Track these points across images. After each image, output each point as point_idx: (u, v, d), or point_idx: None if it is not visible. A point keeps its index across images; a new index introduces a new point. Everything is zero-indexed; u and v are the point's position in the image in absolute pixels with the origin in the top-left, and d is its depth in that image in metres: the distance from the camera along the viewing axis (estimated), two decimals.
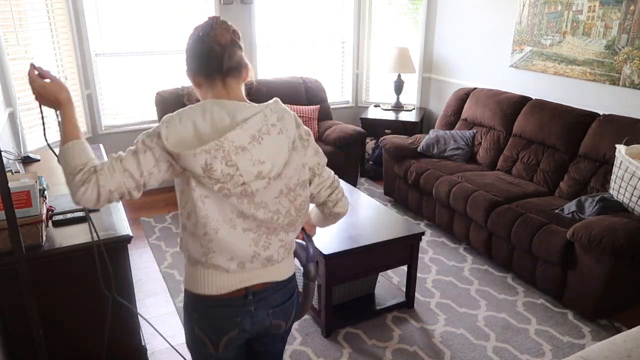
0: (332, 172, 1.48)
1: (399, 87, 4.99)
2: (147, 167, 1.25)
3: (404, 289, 2.96)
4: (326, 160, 1.45)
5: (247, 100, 1.34)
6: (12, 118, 3.29)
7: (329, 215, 1.51)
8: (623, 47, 3.33)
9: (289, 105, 4.56)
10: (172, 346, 2.17)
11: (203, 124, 1.24)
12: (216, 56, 1.28)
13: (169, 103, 4.24)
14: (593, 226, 2.67)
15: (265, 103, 1.31)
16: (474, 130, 4.16)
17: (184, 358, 2.33)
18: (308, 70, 5.04)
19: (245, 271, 1.36)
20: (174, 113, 1.27)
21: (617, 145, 2.98)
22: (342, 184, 3.39)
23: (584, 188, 3.31)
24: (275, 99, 1.34)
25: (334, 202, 1.47)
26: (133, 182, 1.25)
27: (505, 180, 3.57)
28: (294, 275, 1.49)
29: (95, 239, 1.84)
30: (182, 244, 1.40)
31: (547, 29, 3.83)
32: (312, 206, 1.57)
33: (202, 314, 1.38)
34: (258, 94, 5.18)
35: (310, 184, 1.42)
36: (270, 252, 1.37)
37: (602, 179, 3.21)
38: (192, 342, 1.44)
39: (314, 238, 1.69)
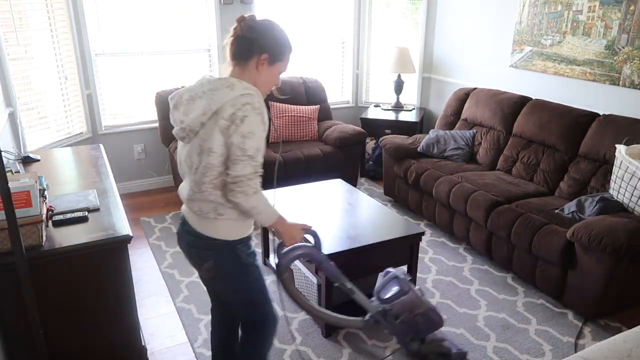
0: (243, 174, 1.60)
1: (399, 87, 4.99)
2: None
3: None
4: (244, 159, 1.59)
5: (234, 79, 1.65)
6: (12, 118, 3.28)
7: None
8: (623, 47, 3.34)
9: (289, 105, 4.56)
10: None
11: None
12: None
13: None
14: (593, 226, 2.67)
15: (211, 76, 1.68)
16: (474, 130, 4.16)
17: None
18: (308, 70, 5.04)
19: (183, 198, 1.79)
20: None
21: (617, 145, 2.98)
22: (342, 184, 3.40)
23: (584, 188, 3.31)
24: (225, 78, 1.65)
25: (228, 191, 1.63)
26: None
27: (505, 180, 3.57)
28: (212, 240, 1.72)
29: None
30: None
31: (547, 29, 3.83)
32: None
33: None
34: None
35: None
36: (185, 193, 1.75)
37: (602, 179, 3.21)
38: None
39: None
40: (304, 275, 2.82)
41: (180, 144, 1.74)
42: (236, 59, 1.68)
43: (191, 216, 1.75)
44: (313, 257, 2.05)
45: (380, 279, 2.29)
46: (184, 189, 1.77)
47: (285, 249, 1.92)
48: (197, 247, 1.76)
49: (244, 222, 1.75)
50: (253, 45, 1.64)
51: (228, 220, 1.70)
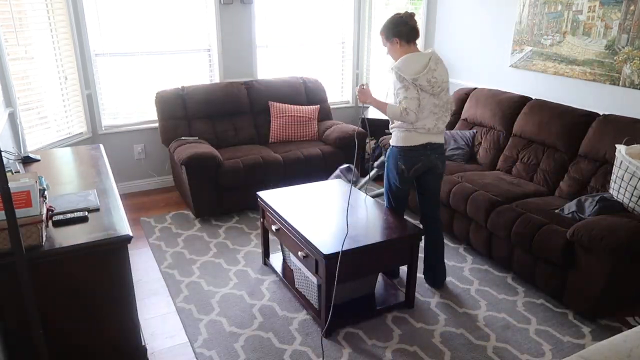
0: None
1: None
2: (413, 93, 2.67)
3: (404, 289, 2.96)
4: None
5: (419, 50, 2.76)
6: (12, 118, 3.29)
7: None
8: (623, 47, 3.34)
9: (289, 105, 4.57)
10: None
11: (417, 64, 2.66)
12: (415, 30, 2.74)
13: (169, 103, 4.25)
14: (593, 226, 2.66)
15: (429, 52, 2.73)
16: (474, 130, 4.16)
17: None
18: (308, 70, 5.04)
19: (429, 134, 2.78)
20: (398, 63, 2.68)
21: (617, 145, 2.98)
22: (342, 184, 3.40)
23: (584, 188, 3.31)
24: (432, 50, 2.78)
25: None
26: (416, 102, 2.69)
27: (505, 180, 3.57)
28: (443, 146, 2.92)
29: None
30: (397, 123, 2.82)
31: (547, 29, 3.83)
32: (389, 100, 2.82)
33: (403, 156, 2.82)
34: (258, 93, 5.16)
35: None
36: (440, 126, 2.80)
37: (602, 179, 3.21)
38: (394, 171, 2.89)
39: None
40: (304, 275, 2.82)
41: (428, 98, 2.70)
42: (416, 39, 2.78)
43: (440, 138, 2.83)
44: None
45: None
46: (432, 124, 2.75)
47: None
48: (442, 155, 2.89)
49: None
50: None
51: None
